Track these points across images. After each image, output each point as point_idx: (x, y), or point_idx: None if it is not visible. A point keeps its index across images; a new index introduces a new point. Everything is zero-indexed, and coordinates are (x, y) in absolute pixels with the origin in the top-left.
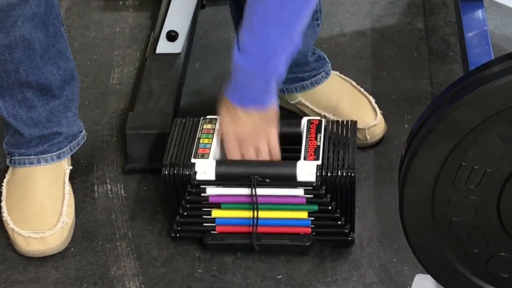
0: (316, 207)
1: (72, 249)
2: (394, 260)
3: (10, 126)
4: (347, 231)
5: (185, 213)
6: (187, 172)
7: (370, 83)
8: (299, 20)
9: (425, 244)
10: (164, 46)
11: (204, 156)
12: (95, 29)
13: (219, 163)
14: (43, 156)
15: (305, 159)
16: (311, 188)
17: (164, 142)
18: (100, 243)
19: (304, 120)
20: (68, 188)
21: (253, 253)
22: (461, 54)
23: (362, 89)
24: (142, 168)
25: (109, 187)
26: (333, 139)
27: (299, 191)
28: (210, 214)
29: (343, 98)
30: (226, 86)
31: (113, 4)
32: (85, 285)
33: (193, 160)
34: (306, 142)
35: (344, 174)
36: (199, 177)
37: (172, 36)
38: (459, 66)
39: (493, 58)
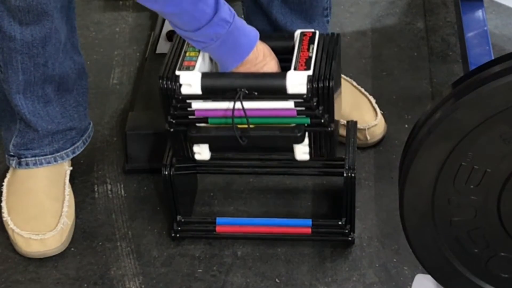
0: (308, 121)
1: (72, 249)
2: (394, 260)
3: (15, 126)
4: (347, 231)
5: (172, 129)
6: (172, 86)
7: (370, 83)
8: None
9: (425, 244)
10: (164, 46)
11: (189, 68)
12: (95, 29)
13: (204, 75)
14: (59, 154)
15: (295, 69)
16: (302, 100)
17: (164, 142)
18: (100, 243)
19: (297, 33)
20: (68, 189)
21: (253, 253)
22: (461, 54)
23: (362, 89)
24: (142, 168)
25: (109, 187)
26: (326, 51)
27: (289, 104)
28: (197, 129)
29: (344, 98)
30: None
31: (113, 4)
32: (85, 285)
33: (177, 73)
34: (298, 52)
35: (344, 174)
36: (184, 90)
37: (172, 36)
38: (459, 66)
39: (493, 58)
